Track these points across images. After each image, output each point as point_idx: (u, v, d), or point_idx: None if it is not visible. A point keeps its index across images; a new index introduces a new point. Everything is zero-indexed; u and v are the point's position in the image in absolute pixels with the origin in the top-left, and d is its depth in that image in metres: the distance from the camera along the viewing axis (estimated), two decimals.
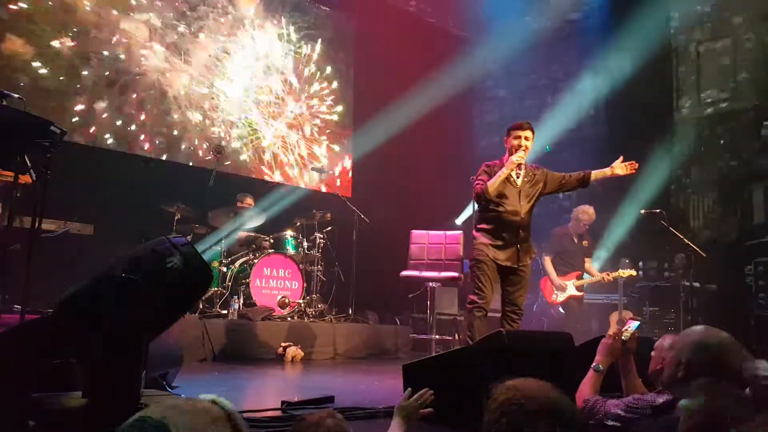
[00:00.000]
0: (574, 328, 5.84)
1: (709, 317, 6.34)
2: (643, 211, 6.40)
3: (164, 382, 3.13)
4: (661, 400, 2.15)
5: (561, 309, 6.73)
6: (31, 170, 3.44)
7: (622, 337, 2.68)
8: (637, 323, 2.77)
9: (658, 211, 6.11)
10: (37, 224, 3.41)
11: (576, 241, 6.76)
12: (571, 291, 6.59)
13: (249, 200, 6.92)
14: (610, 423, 2.30)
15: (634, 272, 6.44)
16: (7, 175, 3.92)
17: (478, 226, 4.62)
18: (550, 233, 6.88)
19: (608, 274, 6.40)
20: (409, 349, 6.95)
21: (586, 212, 6.71)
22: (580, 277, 6.64)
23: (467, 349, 3.57)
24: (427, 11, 9.76)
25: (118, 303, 2.05)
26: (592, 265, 6.86)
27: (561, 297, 6.63)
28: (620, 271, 6.39)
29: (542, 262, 6.70)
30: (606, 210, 7.65)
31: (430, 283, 6.66)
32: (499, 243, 4.49)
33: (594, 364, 2.66)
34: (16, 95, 3.58)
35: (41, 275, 3.50)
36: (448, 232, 7.05)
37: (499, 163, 4.62)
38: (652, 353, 2.49)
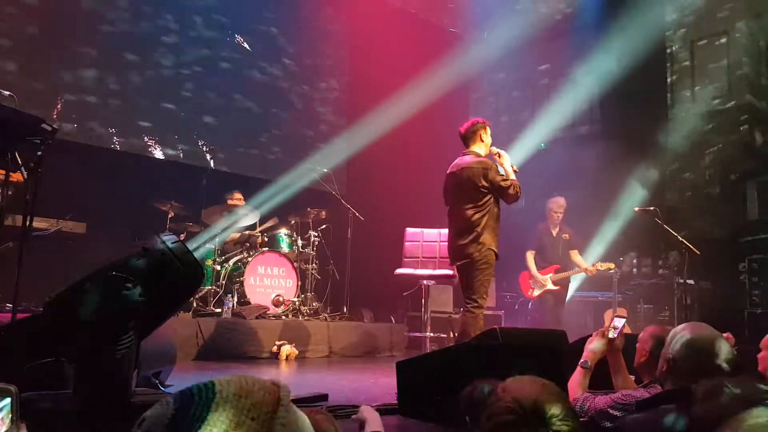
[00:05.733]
0: (547, 323, 5.95)
1: (703, 314, 6.34)
2: (637, 209, 6.39)
3: (157, 381, 3.12)
4: (646, 394, 2.16)
5: (539, 303, 6.78)
6: (22, 168, 3.41)
7: (609, 335, 2.69)
8: (623, 320, 2.78)
9: (652, 208, 6.11)
10: (28, 222, 3.39)
11: (554, 234, 6.78)
12: (549, 286, 6.64)
13: (237, 195, 6.88)
14: (606, 425, 2.30)
15: (612, 265, 6.52)
16: None
17: (491, 226, 4.50)
18: (535, 229, 6.91)
19: (592, 266, 6.48)
20: (403, 347, 6.94)
21: (556, 202, 6.79)
22: (558, 271, 6.68)
23: (461, 347, 3.58)
24: (421, 8, 9.74)
25: (108, 301, 2.04)
26: (581, 257, 6.79)
27: (537, 291, 6.70)
28: (599, 264, 6.45)
29: (526, 258, 6.77)
30: (600, 208, 7.65)
31: (425, 281, 6.67)
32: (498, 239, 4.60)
33: (582, 360, 2.66)
34: (7, 92, 3.55)
35: (33, 274, 3.48)
36: (443, 230, 7.01)
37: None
38: (637, 345, 2.51)
